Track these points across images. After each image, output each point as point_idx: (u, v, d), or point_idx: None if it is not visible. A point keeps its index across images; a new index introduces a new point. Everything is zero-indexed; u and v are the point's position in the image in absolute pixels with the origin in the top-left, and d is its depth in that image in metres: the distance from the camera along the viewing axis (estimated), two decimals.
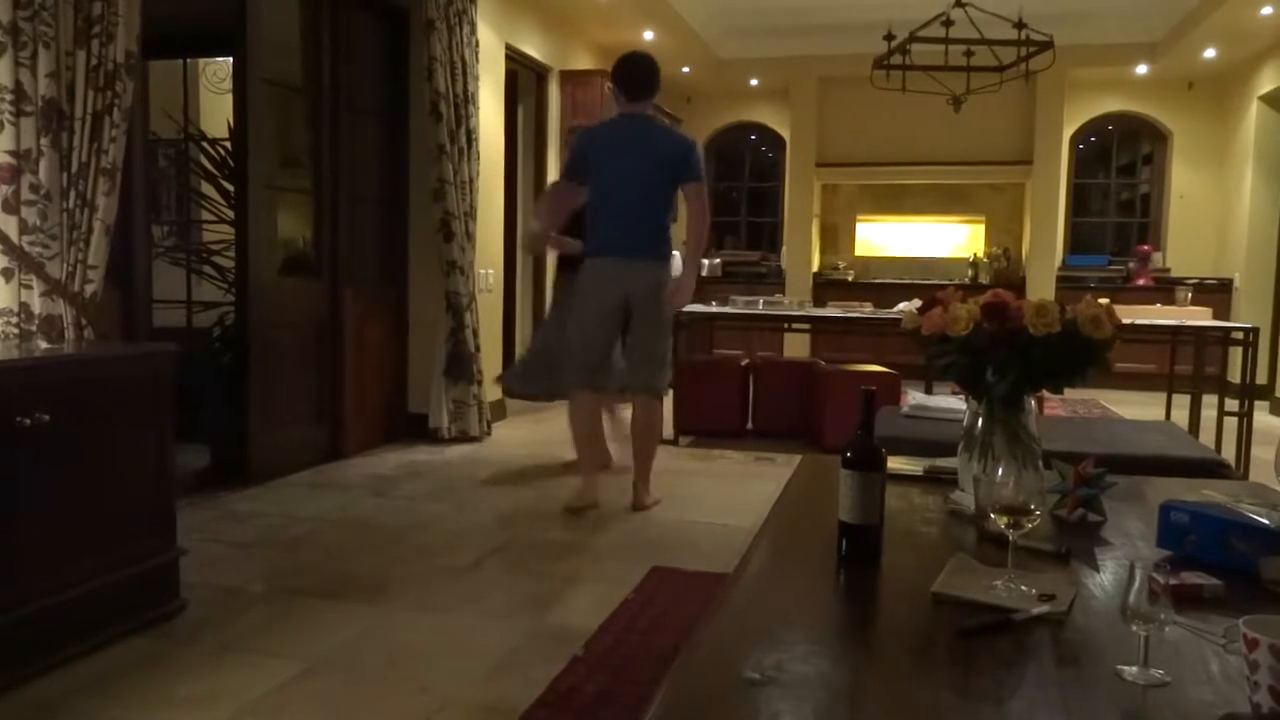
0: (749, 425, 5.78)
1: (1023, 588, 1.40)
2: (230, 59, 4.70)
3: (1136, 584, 1.16)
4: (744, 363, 5.89)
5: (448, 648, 2.60)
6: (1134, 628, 1.16)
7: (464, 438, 5.36)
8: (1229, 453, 4.74)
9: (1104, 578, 1.55)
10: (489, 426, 5.58)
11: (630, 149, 3.95)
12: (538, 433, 5.77)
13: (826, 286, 9.06)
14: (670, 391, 4.53)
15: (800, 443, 5.42)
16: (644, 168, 3.92)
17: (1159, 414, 5.86)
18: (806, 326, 6.69)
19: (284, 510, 3.95)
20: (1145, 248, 8.80)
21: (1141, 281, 8.53)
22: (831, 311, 6.19)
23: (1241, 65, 8.06)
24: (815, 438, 5.45)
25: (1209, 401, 5.43)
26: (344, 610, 2.84)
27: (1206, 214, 8.83)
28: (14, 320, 2.93)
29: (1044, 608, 1.33)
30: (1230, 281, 8.25)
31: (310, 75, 4.82)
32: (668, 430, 5.47)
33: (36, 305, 2.95)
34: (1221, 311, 7.67)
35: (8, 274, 2.92)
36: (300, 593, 2.98)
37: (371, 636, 2.66)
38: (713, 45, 8.49)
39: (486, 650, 2.57)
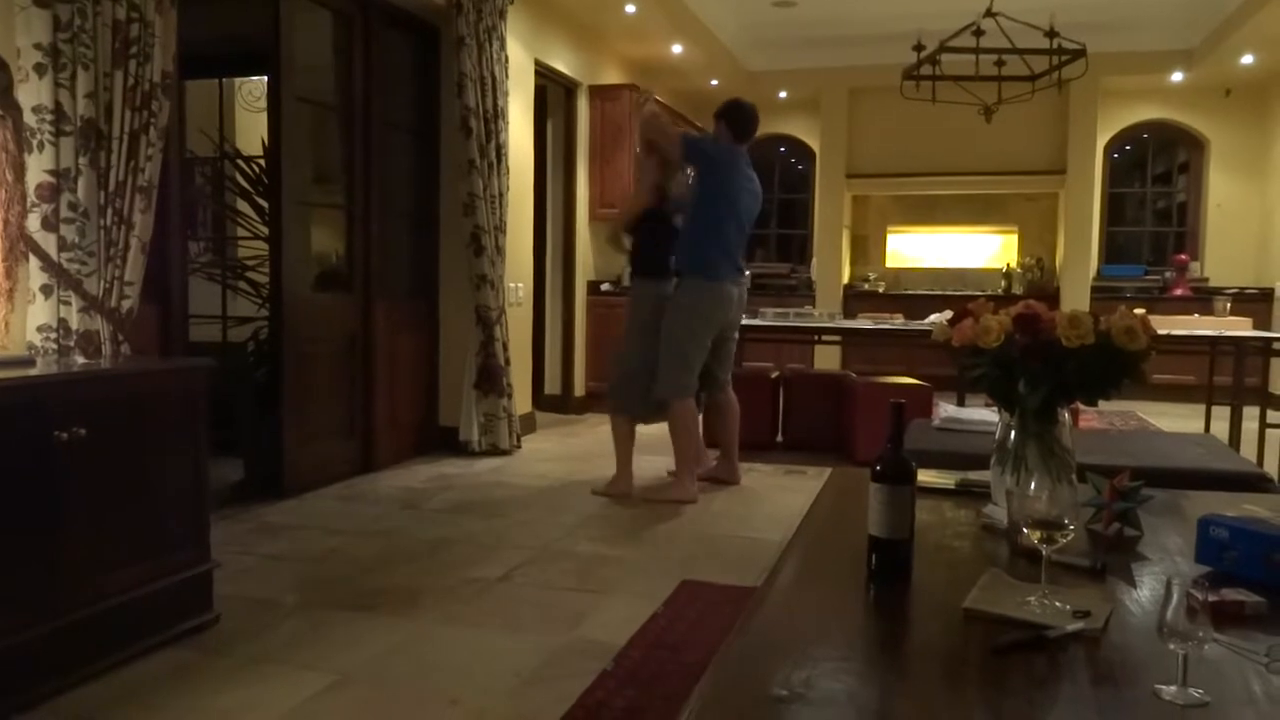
0: (779, 438, 5.75)
1: (1057, 604, 1.37)
2: (265, 78, 4.78)
3: (1175, 601, 1.14)
4: (774, 375, 5.87)
5: (477, 661, 2.61)
6: (1172, 646, 1.13)
7: (494, 451, 5.38)
8: (1271, 466, 4.65)
9: (1141, 594, 1.52)
10: (519, 440, 5.59)
11: (746, 183, 4.46)
12: (567, 446, 5.77)
13: (857, 298, 9.01)
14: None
15: (831, 455, 5.38)
16: (750, 205, 4.48)
17: (1198, 426, 5.75)
18: (837, 338, 6.66)
19: (316, 523, 3.98)
20: (1182, 257, 8.67)
21: (1179, 291, 8.40)
22: (862, 323, 6.16)
23: None
24: (846, 450, 5.41)
25: (1250, 413, 5.33)
26: (375, 623, 2.85)
27: (1245, 223, 8.69)
28: (53, 336, 2.99)
29: (1079, 625, 1.31)
30: (1271, 291, 8.10)
31: (343, 92, 4.88)
32: None
33: (74, 321, 3.00)
34: (1262, 321, 7.52)
35: (47, 290, 2.98)
36: (332, 605, 3.00)
37: (402, 649, 2.67)
38: (741, 58, 8.49)
39: (516, 663, 2.57)
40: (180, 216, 3.94)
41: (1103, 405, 1.87)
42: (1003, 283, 9.06)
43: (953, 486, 2.18)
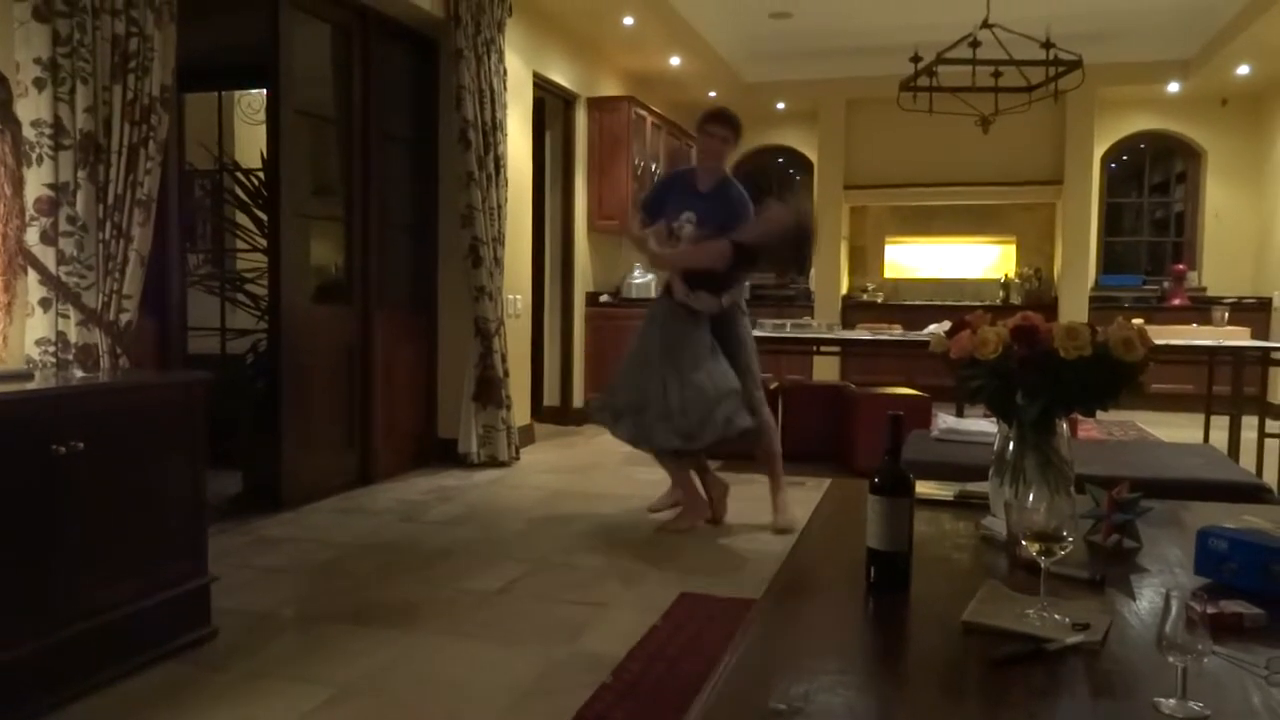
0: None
1: (1056, 616, 1.37)
2: (264, 90, 4.79)
3: (1174, 613, 1.14)
4: (773, 386, 5.86)
5: (476, 674, 2.60)
6: (1171, 658, 1.13)
7: (493, 463, 5.37)
8: (1270, 476, 4.64)
9: (1140, 606, 1.52)
10: (517, 452, 5.59)
11: None
12: (566, 458, 5.77)
13: (855, 309, 9.01)
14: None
15: (831, 466, 5.37)
16: None
17: (1197, 436, 5.75)
18: (836, 349, 6.66)
19: (314, 536, 3.97)
20: (1180, 267, 8.68)
21: (1177, 301, 8.41)
22: (860, 334, 6.16)
23: (1277, 80, 7.96)
24: (846, 461, 5.40)
25: (1249, 423, 5.33)
26: (373, 636, 2.85)
27: (1243, 232, 8.71)
28: (51, 349, 2.99)
29: (1078, 637, 1.31)
30: (1269, 300, 8.11)
31: (341, 105, 4.89)
32: None
33: (73, 334, 3.00)
34: (1260, 331, 7.54)
35: (45, 304, 2.98)
36: (330, 618, 2.99)
37: (400, 662, 2.66)
38: (739, 70, 8.52)
39: (514, 676, 2.56)
40: (179, 229, 3.94)
41: (1101, 415, 1.86)
42: (1001, 293, 9.07)
43: (951, 498, 2.18)
